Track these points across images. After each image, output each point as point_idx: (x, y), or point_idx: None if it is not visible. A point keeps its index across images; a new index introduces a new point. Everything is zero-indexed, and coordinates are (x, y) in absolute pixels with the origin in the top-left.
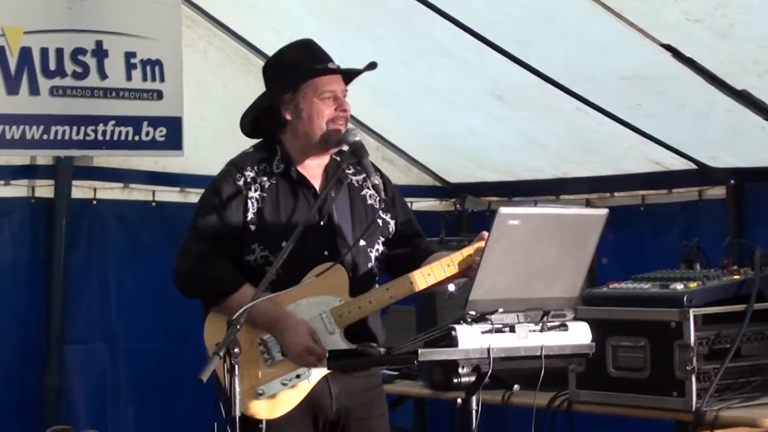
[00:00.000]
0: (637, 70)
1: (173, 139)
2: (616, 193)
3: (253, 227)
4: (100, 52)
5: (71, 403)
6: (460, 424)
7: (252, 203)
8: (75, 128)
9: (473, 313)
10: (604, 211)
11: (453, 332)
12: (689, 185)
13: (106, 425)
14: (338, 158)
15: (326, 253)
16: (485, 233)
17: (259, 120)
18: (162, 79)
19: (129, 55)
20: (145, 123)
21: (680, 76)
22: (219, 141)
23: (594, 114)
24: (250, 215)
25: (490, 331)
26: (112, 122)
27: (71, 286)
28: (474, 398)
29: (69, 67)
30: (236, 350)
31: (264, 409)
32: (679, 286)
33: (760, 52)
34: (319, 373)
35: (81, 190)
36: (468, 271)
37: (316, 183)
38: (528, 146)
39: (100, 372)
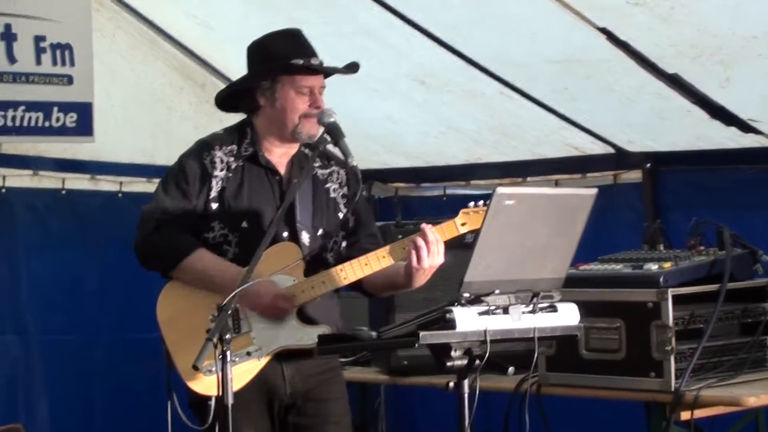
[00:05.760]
0: (569, 54)
1: (84, 125)
2: (529, 178)
3: (215, 206)
4: (9, 36)
5: None
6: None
7: (217, 182)
8: None
9: (468, 294)
10: (593, 191)
11: (449, 314)
12: (604, 169)
13: (19, 418)
14: (306, 149)
15: (285, 234)
16: (425, 225)
17: (236, 98)
18: (72, 64)
19: (38, 39)
20: (56, 108)
21: (613, 60)
22: (129, 126)
23: (517, 98)
24: (213, 194)
25: (486, 313)
26: (22, 108)
27: None
28: (466, 382)
29: None
30: (227, 336)
31: (212, 386)
32: (654, 267)
33: (698, 35)
34: (267, 351)
35: None
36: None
37: (282, 170)
38: (446, 132)
39: (11, 364)
